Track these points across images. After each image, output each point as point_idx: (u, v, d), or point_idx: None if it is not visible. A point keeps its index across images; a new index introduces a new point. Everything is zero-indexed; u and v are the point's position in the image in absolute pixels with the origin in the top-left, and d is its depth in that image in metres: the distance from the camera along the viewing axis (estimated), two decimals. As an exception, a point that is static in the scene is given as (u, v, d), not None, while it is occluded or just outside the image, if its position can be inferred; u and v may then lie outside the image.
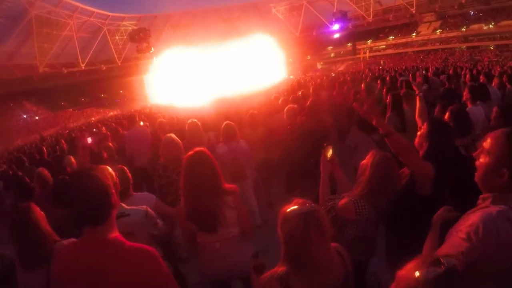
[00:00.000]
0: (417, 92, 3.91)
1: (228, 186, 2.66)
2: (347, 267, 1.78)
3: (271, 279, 1.69)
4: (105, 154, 5.56)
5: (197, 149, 2.62)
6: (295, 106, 5.22)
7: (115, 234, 1.65)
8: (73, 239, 2.18)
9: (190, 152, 2.60)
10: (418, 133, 2.70)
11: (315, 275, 1.63)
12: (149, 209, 2.67)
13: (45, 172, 4.53)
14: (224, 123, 4.75)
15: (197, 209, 2.51)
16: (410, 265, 1.17)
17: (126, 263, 1.56)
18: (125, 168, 3.17)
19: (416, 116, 3.85)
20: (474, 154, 1.73)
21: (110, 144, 5.70)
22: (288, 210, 1.66)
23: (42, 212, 2.38)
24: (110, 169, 2.62)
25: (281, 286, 1.65)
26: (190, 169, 2.55)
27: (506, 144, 1.57)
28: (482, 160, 1.65)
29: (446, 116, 3.19)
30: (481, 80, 7.74)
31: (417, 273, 1.12)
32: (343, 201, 2.48)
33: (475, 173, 1.69)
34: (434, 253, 0.89)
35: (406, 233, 2.43)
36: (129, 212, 2.53)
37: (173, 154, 4.01)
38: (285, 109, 5.03)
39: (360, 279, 2.68)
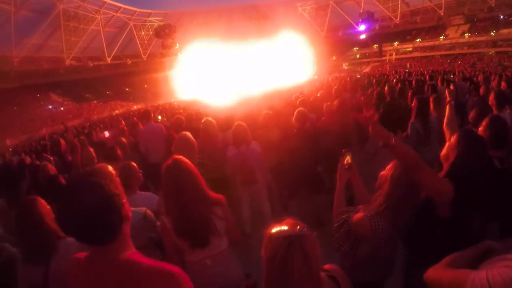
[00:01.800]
0: (448, 99, 3.55)
1: (214, 195, 2.47)
2: None
3: None
4: (119, 151, 5.44)
5: (175, 157, 2.45)
6: (305, 110, 4.98)
7: (130, 251, 1.36)
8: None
9: (168, 161, 2.41)
10: (447, 144, 2.40)
11: None
12: (148, 211, 2.57)
13: (49, 166, 4.50)
14: (235, 124, 4.55)
15: (188, 221, 2.30)
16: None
17: (142, 286, 1.28)
18: (134, 165, 3.12)
19: (444, 125, 3.48)
20: None
21: (124, 139, 5.57)
22: (274, 230, 1.44)
23: (48, 206, 2.32)
24: (110, 167, 2.47)
25: None
26: (172, 178, 2.35)
27: None
28: None
29: (484, 123, 2.90)
30: (502, 87, 7.42)
31: None
32: (358, 216, 2.25)
33: None
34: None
35: (425, 256, 2.11)
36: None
37: (186, 152, 3.82)
38: (295, 112, 4.83)
39: None
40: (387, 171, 2.27)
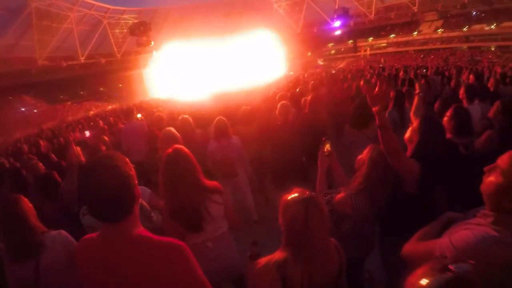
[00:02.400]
0: (417, 91, 3.94)
1: (211, 183, 2.60)
2: (342, 260, 1.80)
3: (268, 265, 1.70)
4: (103, 148, 5.49)
5: (175, 146, 2.57)
6: (288, 103, 5.15)
7: (139, 229, 1.50)
8: (60, 231, 2.27)
9: (169, 150, 2.53)
10: (410, 128, 2.66)
11: (314, 263, 1.64)
12: (143, 202, 2.66)
13: (39, 164, 4.52)
14: (216, 119, 4.68)
15: (179, 207, 2.43)
16: (418, 272, 1.11)
17: (155, 260, 1.41)
18: (126, 159, 3.11)
19: (411, 113, 3.89)
20: (485, 169, 1.64)
21: (106, 138, 5.63)
22: (289, 197, 1.70)
23: (30, 204, 2.33)
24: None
25: (278, 273, 1.65)
26: (168, 166, 2.47)
27: None
28: (493, 179, 1.58)
29: (448, 113, 3.16)
30: (470, 81, 7.87)
31: (423, 281, 1.07)
32: (340, 195, 2.48)
33: (483, 188, 1.63)
34: (445, 259, 0.85)
35: (398, 232, 2.34)
36: None
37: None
38: (278, 106, 5.00)
39: (355, 276, 2.68)
40: (364, 154, 2.50)
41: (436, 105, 4.60)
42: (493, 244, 1.48)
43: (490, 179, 1.59)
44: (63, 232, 2.27)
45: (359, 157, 2.56)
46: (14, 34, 43.70)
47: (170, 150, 2.53)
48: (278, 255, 1.72)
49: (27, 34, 44.74)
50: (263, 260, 1.75)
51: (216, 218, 2.55)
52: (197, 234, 2.51)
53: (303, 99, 6.18)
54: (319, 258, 1.66)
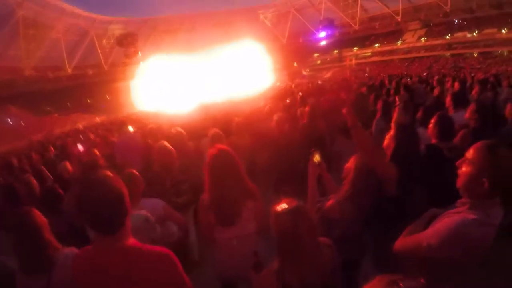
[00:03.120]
0: (396, 103, 4.18)
1: (252, 187, 2.84)
2: (335, 261, 1.96)
3: (268, 275, 1.87)
4: (100, 161, 5.37)
5: (220, 146, 2.83)
6: (284, 115, 5.35)
7: (131, 240, 1.68)
8: (73, 248, 2.24)
9: (214, 150, 2.78)
10: (387, 136, 2.91)
11: (307, 266, 1.79)
12: (148, 215, 2.75)
13: (32, 180, 4.52)
14: (212, 131, 4.89)
15: (220, 198, 2.67)
16: (370, 285, 1.13)
17: (146, 267, 1.60)
18: (136, 172, 3.15)
19: (392, 123, 4.11)
20: (457, 163, 1.90)
21: (97, 152, 5.69)
22: (278, 208, 1.85)
23: (44, 218, 2.30)
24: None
25: (278, 280, 1.81)
26: (214, 163, 2.72)
27: (487, 155, 1.74)
28: (464, 169, 1.84)
29: (433, 120, 3.41)
30: (455, 88, 8.14)
31: None
32: (329, 202, 2.67)
33: (457, 180, 1.88)
34: (394, 276, 0.93)
35: (385, 233, 2.50)
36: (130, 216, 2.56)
37: (166, 161, 4.10)
38: (274, 118, 5.17)
39: (350, 278, 2.81)
40: (350, 163, 2.70)
41: (419, 113, 4.89)
42: (470, 225, 1.71)
43: (462, 171, 1.85)
44: (76, 250, 2.21)
45: (346, 165, 2.74)
46: (0, 42, 43.31)
47: (215, 150, 2.78)
48: (275, 264, 1.87)
49: (14, 43, 44.42)
50: (264, 272, 1.93)
51: (245, 218, 2.74)
52: (227, 228, 2.72)
53: (299, 110, 6.42)
54: (311, 261, 1.79)
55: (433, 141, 3.35)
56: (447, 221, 1.81)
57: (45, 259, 2.15)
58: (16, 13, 42.91)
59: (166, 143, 4.25)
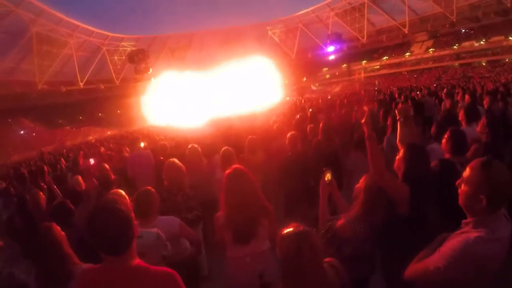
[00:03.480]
0: (397, 118, 4.17)
1: (267, 204, 2.91)
2: (343, 281, 1.96)
3: None
4: (112, 177, 5.36)
5: (236, 166, 2.93)
6: (296, 133, 5.31)
7: (137, 260, 1.73)
8: (91, 265, 2.22)
9: (230, 170, 2.88)
10: (397, 157, 2.87)
11: None
12: (160, 232, 2.80)
13: (40, 194, 4.57)
14: (223, 149, 4.89)
15: (236, 217, 2.73)
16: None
17: (152, 285, 1.67)
18: (153, 190, 3.21)
19: (397, 141, 4.10)
20: (456, 183, 1.92)
21: (107, 166, 5.71)
22: (284, 232, 1.88)
23: (63, 233, 2.39)
24: (123, 192, 2.69)
25: None
26: (230, 182, 2.81)
27: (481, 172, 1.76)
28: (462, 188, 1.86)
29: (446, 135, 3.41)
30: (466, 101, 7.98)
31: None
32: (340, 222, 2.67)
33: (459, 201, 1.89)
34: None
35: (396, 253, 2.50)
36: (142, 234, 2.52)
37: (176, 177, 4.18)
38: (288, 136, 5.14)
39: None
40: (360, 183, 2.73)
41: (432, 129, 4.76)
42: (475, 243, 1.71)
43: (460, 191, 1.88)
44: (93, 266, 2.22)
45: (357, 186, 2.76)
46: (14, 57, 44.22)
47: (231, 169, 2.87)
48: (279, 286, 1.90)
49: (27, 58, 45.24)
50: None
51: (260, 237, 2.80)
52: (241, 246, 2.76)
53: (309, 126, 6.36)
54: (313, 286, 1.81)
55: (446, 156, 3.36)
56: (452, 243, 1.82)
57: (64, 273, 2.19)
58: (30, 30, 43.66)
59: (176, 160, 4.32)
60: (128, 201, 2.73)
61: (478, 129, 4.13)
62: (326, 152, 4.99)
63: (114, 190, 2.92)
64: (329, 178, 2.96)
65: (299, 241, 1.79)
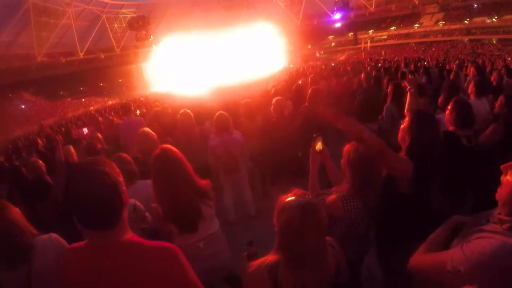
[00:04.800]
0: (408, 88, 3.82)
1: (203, 182, 2.63)
2: (340, 262, 1.76)
3: (260, 268, 1.66)
4: (98, 145, 5.44)
5: (163, 146, 2.58)
6: (282, 99, 5.12)
7: (129, 234, 1.48)
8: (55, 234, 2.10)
9: (156, 151, 2.54)
10: (401, 126, 2.56)
11: (306, 268, 1.59)
12: (137, 203, 2.58)
13: (39, 162, 4.43)
14: (217, 113, 4.63)
15: (175, 207, 2.44)
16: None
17: (148, 264, 1.41)
18: (125, 155, 3.15)
19: (405, 111, 3.69)
20: (502, 167, 1.47)
21: (100, 135, 5.66)
22: (286, 200, 1.64)
23: (16, 208, 2.19)
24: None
25: (270, 275, 1.62)
26: (160, 167, 2.49)
27: None
28: (509, 178, 1.42)
29: (449, 106, 3.18)
30: (470, 74, 7.90)
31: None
32: (331, 198, 2.39)
33: (499, 189, 1.48)
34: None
35: (395, 236, 2.35)
36: None
37: (148, 147, 3.90)
38: (273, 102, 4.95)
39: (353, 275, 2.54)
40: (343, 158, 2.42)
41: (440, 99, 4.69)
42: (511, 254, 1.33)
43: (507, 179, 1.43)
44: (54, 235, 2.13)
45: (342, 160, 2.46)
46: (12, 31, 43.46)
47: (157, 150, 2.54)
48: (270, 257, 1.68)
49: (25, 31, 44.48)
50: (256, 262, 1.72)
51: (207, 218, 2.57)
52: (190, 234, 2.52)
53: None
54: (312, 263, 1.60)
55: (450, 128, 3.11)
56: (481, 244, 1.41)
57: (23, 248, 2.01)
58: (26, 1, 42.64)
59: (147, 130, 4.16)
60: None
61: (496, 109, 3.94)
62: (315, 120, 4.70)
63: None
64: (320, 146, 2.62)
65: (303, 213, 1.57)
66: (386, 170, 2.32)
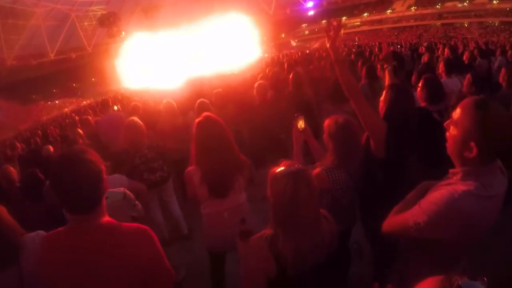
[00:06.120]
0: (385, 66, 4.02)
1: (242, 156, 2.77)
2: (333, 230, 1.80)
3: (259, 241, 1.70)
4: (80, 140, 5.50)
5: (207, 114, 2.70)
6: (265, 82, 5.21)
7: (106, 218, 1.58)
8: (41, 231, 1.99)
9: (200, 118, 2.67)
10: (380, 98, 2.70)
11: (304, 235, 1.63)
12: (127, 191, 2.64)
13: (10, 169, 4.40)
14: (198, 101, 4.76)
15: (214, 171, 2.56)
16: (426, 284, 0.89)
17: (125, 245, 1.51)
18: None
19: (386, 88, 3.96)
20: (444, 124, 1.59)
21: (80, 131, 5.72)
22: (277, 171, 1.67)
23: (2, 206, 2.07)
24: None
25: (270, 247, 1.65)
26: (203, 131, 2.61)
27: (474, 114, 1.42)
28: (451, 132, 1.54)
29: (420, 83, 3.35)
30: (445, 54, 8.16)
31: None
32: (316, 171, 2.48)
33: (447, 146, 1.59)
34: (453, 276, 0.75)
35: (375, 203, 2.39)
36: (108, 194, 2.29)
37: (135, 138, 3.98)
38: (255, 85, 5.03)
39: (343, 248, 2.61)
40: (325, 132, 2.53)
41: (413, 78, 4.90)
42: (462, 198, 1.43)
43: (448, 134, 1.57)
44: (42, 232, 1.99)
45: (324, 135, 2.57)
46: (-22, 36, 41.96)
47: (201, 117, 2.66)
48: (268, 231, 1.71)
49: (-9, 34, 42.98)
50: (253, 238, 1.75)
51: (237, 189, 2.69)
52: (219, 201, 2.63)
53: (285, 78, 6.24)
54: (308, 231, 1.65)
55: (422, 104, 3.28)
56: (435, 195, 1.53)
57: (10, 248, 1.90)
58: (-9, 5, 41.18)
59: (135, 119, 4.11)
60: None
61: (464, 89, 4.14)
62: (298, 102, 4.87)
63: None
64: (302, 124, 2.71)
65: (295, 181, 1.60)
66: (361, 121, 2.37)
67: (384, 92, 2.67)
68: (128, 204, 2.63)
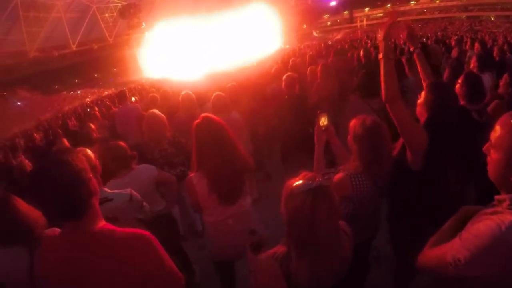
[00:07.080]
0: (412, 49, 3.30)
1: (246, 154, 2.62)
2: (352, 246, 1.66)
3: (271, 260, 1.52)
4: (94, 134, 5.42)
5: (205, 115, 2.53)
6: (294, 74, 4.94)
7: (101, 223, 1.48)
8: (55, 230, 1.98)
9: (198, 120, 2.48)
10: (418, 101, 2.45)
11: (321, 260, 1.45)
12: (133, 192, 2.51)
13: (24, 162, 4.58)
14: (214, 94, 4.54)
15: (219, 177, 2.40)
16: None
17: (118, 253, 1.41)
18: (119, 143, 3.09)
19: (422, 80, 3.51)
20: (484, 149, 1.38)
21: (92, 125, 5.70)
22: (294, 184, 1.46)
23: (18, 198, 2.05)
24: (88, 151, 2.44)
25: (282, 269, 1.48)
26: (201, 136, 2.44)
27: None
28: (492, 156, 1.33)
29: (460, 80, 3.10)
30: (476, 50, 7.64)
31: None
32: (338, 176, 2.23)
33: (488, 171, 1.37)
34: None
35: (405, 211, 2.27)
36: (112, 196, 2.36)
37: (156, 130, 3.88)
38: (284, 77, 4.79)
39: (362, 261, 2.44)
40: (350, 134, 2.29)
41: (446, 74, 4.60)
42: (510, 230, 1.20)
43: (490, 158, 1.35)
44: (57, 230, 1.97)
45: (348, 137, 2.33)
46: (1, 29, 42.70)
47: (199, 119, 2.49)
48: (281, 249, 1.56)
49: (14, 28, 43.76)
50: (265, 255, 1.60)
51: (244, 195, 2.57)
52: (224, 208, 2.48)
53: (308, 69, 6.06)
54: (327, 254, 1.47)
55: (461, 102, 3.02)
56: (478, 226, 1.28)
57: (24, 231, 1.89)
58: (13, -1, 41.79)
59: (156, 112, 4.00)
60: (93, 157, 2.46)
61: (500, 89, 3.85)
62: (326, 95, 4.72)
63: (80, 148, 2.52)
64: (325, 123, 2.51)
65: (314, 199, 1.41)
66: (400, 132, 2.18)
67: (423, 94, 2.40)
68: (135, 206, 2.53)
